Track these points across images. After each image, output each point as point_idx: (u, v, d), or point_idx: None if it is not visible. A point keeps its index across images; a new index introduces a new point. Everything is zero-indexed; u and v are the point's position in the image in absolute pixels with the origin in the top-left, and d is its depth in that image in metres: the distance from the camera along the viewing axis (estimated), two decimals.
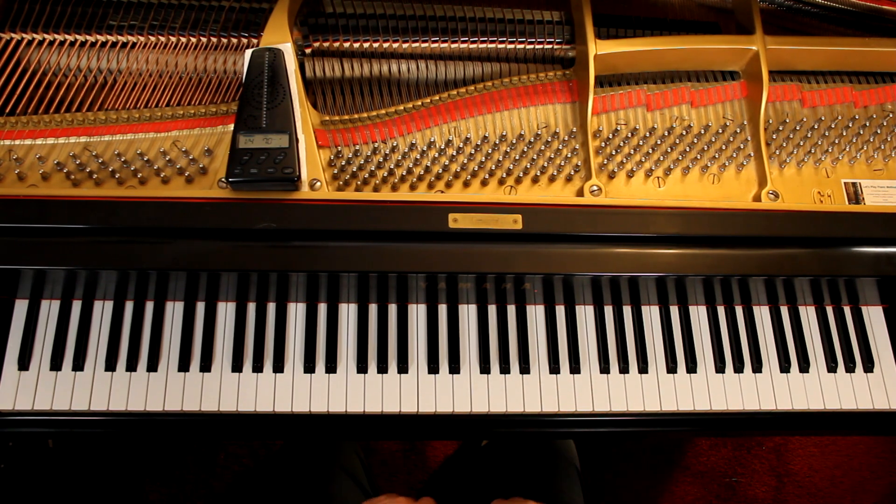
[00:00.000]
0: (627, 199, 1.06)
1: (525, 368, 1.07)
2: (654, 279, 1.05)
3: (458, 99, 1.11)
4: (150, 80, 1.10)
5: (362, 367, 1.05)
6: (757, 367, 1.10)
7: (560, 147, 1.10)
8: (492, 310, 1.10)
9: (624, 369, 1.08)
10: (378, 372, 1.05)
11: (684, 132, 1.13)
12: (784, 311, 1.15)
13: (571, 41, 1.15)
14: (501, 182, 1.07)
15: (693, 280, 1.06)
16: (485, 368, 1.06)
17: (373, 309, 1.09)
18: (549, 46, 1.16)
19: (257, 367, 1.04)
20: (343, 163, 1.05)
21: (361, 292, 1.07)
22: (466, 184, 1.07)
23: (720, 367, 1.10)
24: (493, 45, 1.15)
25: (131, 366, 1.03)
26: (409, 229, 0.99)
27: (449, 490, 1.24)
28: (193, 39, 1.11)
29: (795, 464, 1.96)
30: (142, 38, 1.10)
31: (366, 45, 1.13)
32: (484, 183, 1.07)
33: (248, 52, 1.05)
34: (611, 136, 1.11)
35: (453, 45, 1.14)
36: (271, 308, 1.08)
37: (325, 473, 1.18)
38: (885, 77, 1.20)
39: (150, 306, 1.06)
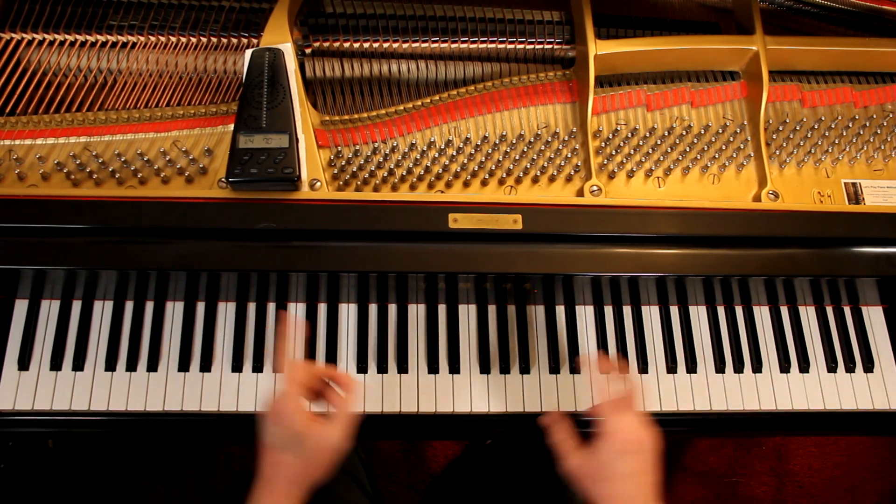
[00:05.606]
0: (627, 200, 1.06)
1: (525, 368, 1.07)
2: (654, 279, 1.05)
3: (458, 99, 1.11)
4: (150, 80, 1.10)
5: (362, 367, 1.05)
6: (757, 368, 1.10)
7: (560, 147, 1.10)
8: (492, 310, 1.10)
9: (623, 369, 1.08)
10: (378, 372, 1.05)
11: (684, 132, 1.13)
12: (784, 311, 1.15)
13: (571, 41, 1.15)
14: (501, 182, 1.07)
15: (693, 280, 1.06)
16: (485, 368, 1.06)
17: (373, 309, 1.09)
18: (549, 46, 1.16)
19: (257, 367, 1.04)
20: (343, 163, 1.05)
21: (361, 292, 1.07)
22: (466, 184, 1.07)
23: (720, 368, 1.10)
24: (493, 45, 1.15)
25: (131, 366, 1.03)
26: (409, 229, 0.99)
27: (454, 489, 1.24)
28: (193, 39, 1.11)
29: (795, 464, 1.96)
30: (142, 38, 1.10)
31: (366, 45, 1.12)
32: (484, 183, 1.07)
33: (248, 52, 1.05)
34: (611, 136, 1.11)
35: (453, 45, 1.14)
36: (271, 308, 1.08)
37: None
38: (885, 77, 1.20)
39: (150, 306, 1.06)
